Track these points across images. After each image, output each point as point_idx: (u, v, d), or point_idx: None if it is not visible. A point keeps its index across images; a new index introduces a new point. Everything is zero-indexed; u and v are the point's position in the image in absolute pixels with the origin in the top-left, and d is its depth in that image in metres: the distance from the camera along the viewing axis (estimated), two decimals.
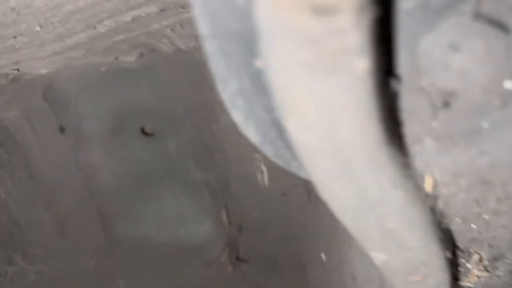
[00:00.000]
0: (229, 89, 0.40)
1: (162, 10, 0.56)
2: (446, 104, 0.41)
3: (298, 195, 0.86)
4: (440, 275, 0.49)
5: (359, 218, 0.40)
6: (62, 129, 0.88)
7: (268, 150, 0.45)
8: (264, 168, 0.84)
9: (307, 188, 0.84)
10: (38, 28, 0.54)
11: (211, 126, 0.85)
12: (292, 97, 0.32)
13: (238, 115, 0.42)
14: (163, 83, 0.83)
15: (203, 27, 0.36)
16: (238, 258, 1.04)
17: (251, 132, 0.43)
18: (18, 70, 0.65)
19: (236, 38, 0.37)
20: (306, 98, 0.32)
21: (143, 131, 0.95)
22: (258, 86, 0.40)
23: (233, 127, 0.84)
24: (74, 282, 1.04)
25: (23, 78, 0.75)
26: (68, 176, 0.93)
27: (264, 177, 0.85)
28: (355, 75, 0.31)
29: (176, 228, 1.06)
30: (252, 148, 0.82)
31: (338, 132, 0.34)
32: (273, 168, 0.82)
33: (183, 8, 0.57)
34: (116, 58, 0.67)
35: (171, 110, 0.89)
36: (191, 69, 0.76)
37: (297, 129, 0.34)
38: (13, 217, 0.94)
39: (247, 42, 0.37)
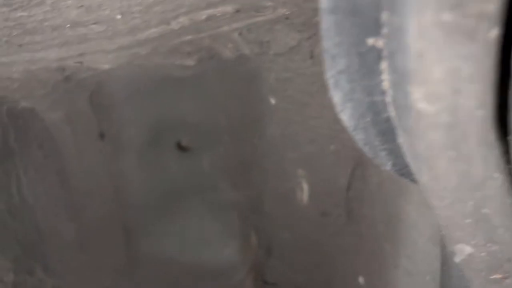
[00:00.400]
0: (335, 67, 0.40)
1: (237, 11, 0.58)
2: None
3: (338, 215, 0.85)
4: None
5: (457, 202, 0.40)
6: (102, 136, 0.87)
7: (359, 137, 0.46)
8: (305, 185, 0.83)
9: (347, 207, 0.83)
10: (119, 16, 0.55)
11: (253, 140, 0.85)
12: (423, 63, 0.33)
13: (337, 96, 0.42)
14: (210, 95, 0.84)
15: (326, 0, 0.38)
16: (265, 282, 1.01)
17: (346, 115, 0.44)
18: (81, 63, 0.65)
19: (356, 13, 0.38)
20: (437, 64, 0.33)
21: (179, 145, 0.95)
22: (364, 66, 0.41)
23: (279, 139, 0.84)
24: None
25: (76, 77, 0.76)
26: (99, 186, 0.91)
27: (304, 195, 0.84)
28: (489, 44, 0.32)
29: (200, 250, 1.03)
30: (296, 162, 0.82)
31: (460, 102, 0.34)
32: (315, 185, 0.82)
33: (256, 11, 0.59)
34: (178, 61, 0.68)
35: (213, 123, 0.89)
36: (245, 78, 0.77)
37: (420, 98, 0.34)
38: (38, 225, 0.91)
39: (366, 18, 0.38)
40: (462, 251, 0.44)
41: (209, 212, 1.01)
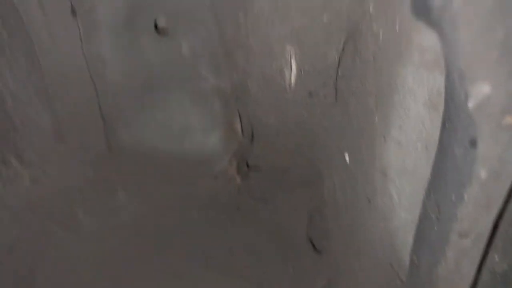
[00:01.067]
0: None
1: None
2: None
3: (325, 95, 0.83)
4: None
5: (487, 30, 0.38)
6: (73, 11, 0.79)
7: None
8: (294, 63, 0.80)
9: (336, 86, 0.81)
10: None
11: (237, 17, 0.80)
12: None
13: None
14: None
15: None
16: (247, 166, 1.01)
17: None
18: None
19: None
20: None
21: (156, 27, 0.88)
22: None
23: (267, 13, 0.79)
24: (71, 192, 0.97)
25: None
26: (74, 69, 0.85)
27: (292, 74, 0.82)
28: None
29: (182, 139, 1.01)
30: (285, 38, 0.78)
31: None
32: (303, 63, 0.79)
33: None
34: None
35: (192, 0, 0.82)
36: None
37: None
38: (9, 113, 0.85)
39: None
40: (480, 91, 0.43)
41: (191, 100, 0.97)
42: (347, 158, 0.86)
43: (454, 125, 0.51)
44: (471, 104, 0.45)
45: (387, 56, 0.65)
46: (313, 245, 1.01)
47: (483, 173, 0.51)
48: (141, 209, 1.02)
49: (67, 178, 0.96)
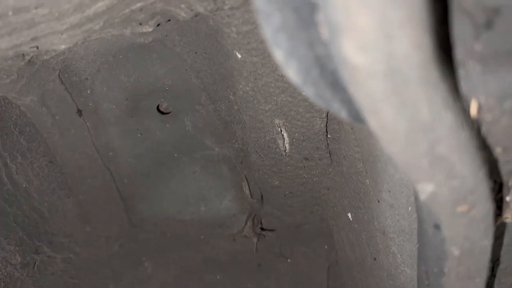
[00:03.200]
0: (271, 25, 0.40)
1: None
2: (489, 24, 0.41)
3: (320, 158, 0.86)
4: (485, 205, 0.49)
5: (410, 146, 0.40)
6: (79, 112, 0.87)
7: (309, 91, 0.45)
8: (285, 133, 0.84)
9: (329, 149, 0.84)
10: None
11: (228, 96, 0.85)
12: (349, 14, 0.32)
13: (279, 54, 0.42)
14: (177, 57, 0.82)
15: None
16: (262, 229, 1.05)
17: (292, 72, 0.43)
18: (37, 47, 0.64)
19: None
20: (364, 14, 0.32)
21: (159, 110, 0.95)
22: (302, 19, 0.40)
23: (251, 93, 0.84)
24: (100, 267, 1.05)
25: (39, 59, 0.75)
26: (88, 161, 0.93)
27: (285, 143, 0.85)
28: None
29: (198, 206, 1.06)
30: (271, 113, 0.82)
31: (394, 48, 0.34)
32: (294, 132, 0.83)
33: None
34: (136, 29, 0.67)
35: (186, 84, 0.88)
36: (206, 37, 0.76)
37: (352, 49, 0.34)
38: (36, 206, 0.94)
39: None
40: (425, 189, 0.45)
41: (201, 169, 1.03)
42: (350, 217, 0.87)
43: (420, 210, 0.52)
44: (422, 198, 0.46)
45: (361, 128, 0.68)
46: None
47: (455, 251, 0.53)
48: (166, 277, 1.07)
49: (95, 254, 1.03)
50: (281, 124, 0.82)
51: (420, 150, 0.40)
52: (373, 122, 0.39)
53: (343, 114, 0.46)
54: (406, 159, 0.42)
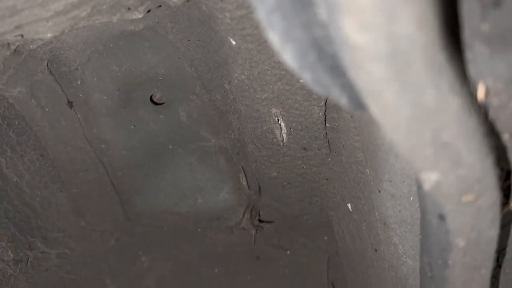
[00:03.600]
0: (265, 6, 0.37)
1: None
2: (497, 2, 0.38)
3: (319, 148, 0.84)
4: (493, 194, 0.47)
5: (413, 132, 0.38)
6: (70, 104, 0.84)
7: (306, 76, 0.43)
8: (282, 123, 0.81)
9: (328, 138, 0.82)
10: None
11: (223, 85, 0.82)
12: None
13: (274, 37, 0.39)
14: (169, 44, 0.80)
15: None
16: (260, 221, 1.03)
17: (288, 56, 0.41)
18: (22, 36, 0.61)
19: None
20: None
21: (152, 100, 0.92)
22: None
23: (247, 82, 0.81)
24: (96, 262, 1.03)
25: (25, 49, 0.72)
26: (80, 153, 0.90)
27: (283, 132, 0.83)
28: None
29: (195, 198, 1.04)
30: (268, 102, 0.80)
31: (396, 28, 0.31)
32: (291, 122, 0.80)
33: None
34: (125, 15, 0.64)
35: (180, 73, 0.86)
36: (199, 24, 0.73)
37: (352, 29, 0.31)
38: (28, 201, 0.92)
39: None
40: (429, 178, 0.43)
41: (197, 160, 1.00)
42: (350, 208, 0.85)
43: (423, 200, 0.50)
44: (426, 188, 0.44)
45: (361, 116, 0.65)
46: None
47: (460, 242, 0.51)
48: (164, 271, 1.05)
49: (91, 249, 1.01)
50: (278, 113, 0.79)
51: (424, 137, 0.38)
52: (374, 108, 0.37)
53: (343, 100, 0.43)
54: (409, 147, 0.39)
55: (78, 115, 0.87)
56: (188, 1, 0.65)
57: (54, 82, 0.81)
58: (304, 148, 0.84)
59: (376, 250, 0.81)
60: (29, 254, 0.93)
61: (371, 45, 0.32)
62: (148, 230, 1.04)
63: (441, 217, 0.49)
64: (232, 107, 0.86)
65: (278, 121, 0.81)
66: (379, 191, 0.74)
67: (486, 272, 0.55)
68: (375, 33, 0.31)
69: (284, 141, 0.84)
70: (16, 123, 0.83)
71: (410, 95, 0.35)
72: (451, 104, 0.37)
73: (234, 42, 0.70)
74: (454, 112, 0.37)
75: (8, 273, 0.88)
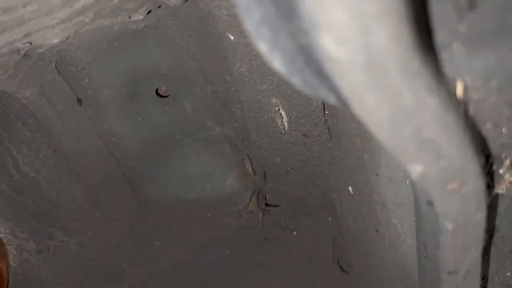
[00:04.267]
0: (253, 19, 0.40)
1: None
2: (472, 4, 0.40)
3: (319, 134, 0.87)
4: (476, 181, 0.50)
5: (395, 131, 0.41)
6: (79, 101, 0.88)
7: (296, 80, 0.46)
8: (283, 112, 0.84)
9: (327, 125, 0.85)
10: None
11: (225, 77, 0.85)
12: (325, 10, 0.32)
13: (263, 46, 0.42)
14: (171, 41, 0.82)
15: None
16: (267, 205, 1.07)
17: (277, 62, 0.44)
18: (30, 43, 0.64)
19: None
20: (338, 9, 0.32)
21: (158, 93, 0.96)
22: (282, 11, 0.40)
23: (247, 74, 0.84)
24: (113, 249, 1.08)
25: (34, 53, 0.75)
26: (92, 148, 0.95)
27: (284, 121, 0.86)
28: None
29: (203, 185, 1.08)
30: (268, 93, 0.83)
31: (371, 41, 0.34)
32: (291, 110, 0.83)
33: None
34: (126, 18, 0.67)
35: (182, 67, 0.89)
36: (198, 20, 0.75)
37: (330, 44, 0.34)
38: (45, 194, 0.97)
39: None
40: (414, 170, 0.46)
41: (204, 149, 1.04)
42: (351, 190, 0.89)
43: (414, 187, 0.53)
44: (413, 177, 0.47)
45: None
46: (340, 267, 1.05)
47: (449, 225, 0.54)
48: (177, 255, 1.11)
49: (107, 237, 1.07)
50: (278, 103, 0.82)
51: (405, 134, 0.41)
52: (358, 110, 0.40)
53: (332, 100, 0.46)
54: (393, 143, 0.42)
55: (88, 111, 0.91)
56: (186, 1, 0.68)
57: (63, 81, 0.85)
58: (305, 135, 0.87)
59: (376, 231, 0.84)
60: (50, 244, 0.99)
61: (349, 57, 0.34)
62: (160, 217, 1.09)
63: (430, 203, 0.52)
64: (235, 98, 0.89)
65: (279, 110, 0.84)
66: (377, 175, 0.78)
67: (476, 251, 0.58)
68: (351, 47, 0.34)
69: (286, 129, 0.87)
70: (30, 122, 0.88)
71: (389, 99, 0.38)
72: (429, 103, 0.40)
73: (232, 38, 0.73)
74: (432, 110, 0.40)
75: (32, 262, 0.94)
